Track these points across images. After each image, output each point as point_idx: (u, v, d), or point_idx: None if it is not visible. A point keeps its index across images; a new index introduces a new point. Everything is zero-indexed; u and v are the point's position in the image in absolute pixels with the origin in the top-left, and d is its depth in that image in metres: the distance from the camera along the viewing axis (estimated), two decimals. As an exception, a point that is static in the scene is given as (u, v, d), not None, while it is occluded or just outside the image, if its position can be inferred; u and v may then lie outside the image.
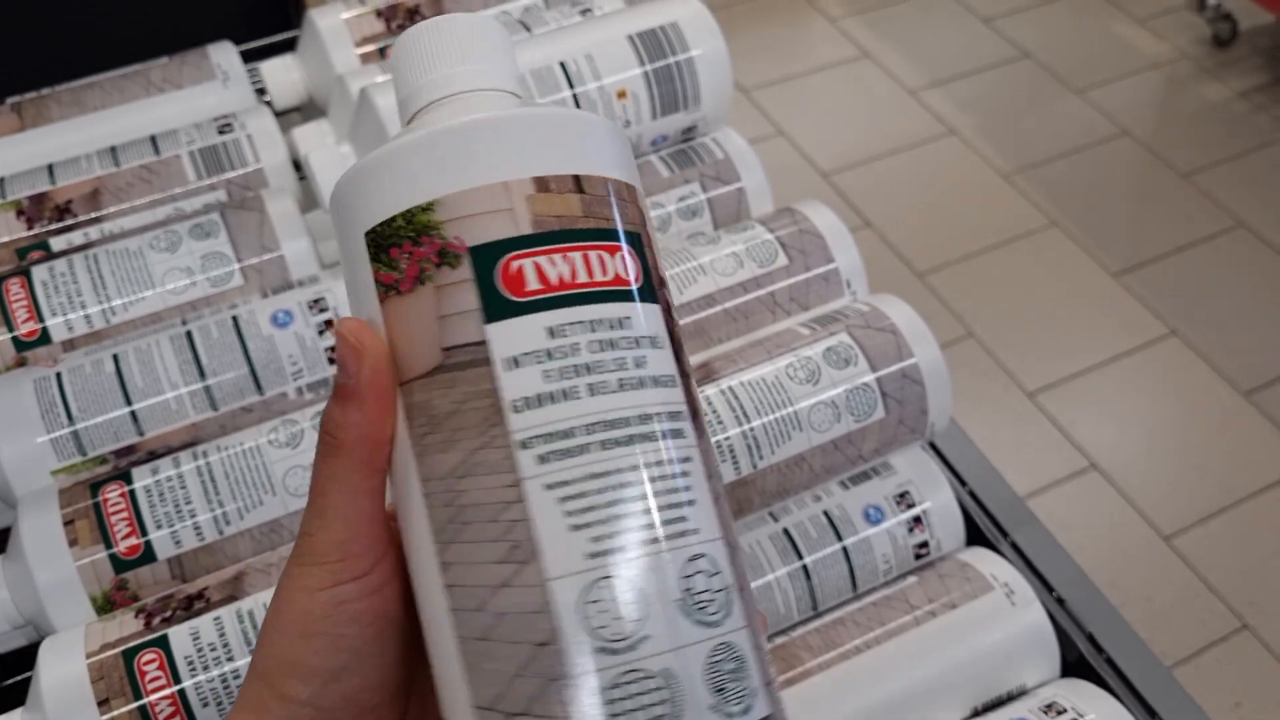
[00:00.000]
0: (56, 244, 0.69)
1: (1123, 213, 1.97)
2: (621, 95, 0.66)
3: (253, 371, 0.61)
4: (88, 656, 0.50)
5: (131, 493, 0.55)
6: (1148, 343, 1.77)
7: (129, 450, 0.60)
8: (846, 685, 0.56)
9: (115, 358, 0.60)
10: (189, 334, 0.61)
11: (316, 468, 0.32)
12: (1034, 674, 0.58)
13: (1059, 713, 0.54)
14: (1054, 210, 1.97)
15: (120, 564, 0.54)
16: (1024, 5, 2.37)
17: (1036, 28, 2.31)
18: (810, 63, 2.28)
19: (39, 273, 0.64)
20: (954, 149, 2.09)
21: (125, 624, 0.51)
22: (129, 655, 0.50)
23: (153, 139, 0.72)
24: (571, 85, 0.65)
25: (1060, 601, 0.61)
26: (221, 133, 0.73)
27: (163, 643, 0.50)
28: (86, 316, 0.64)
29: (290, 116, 0.83)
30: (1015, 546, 0.62)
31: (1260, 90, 2.17)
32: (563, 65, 0.65)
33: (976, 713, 0.57)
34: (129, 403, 0.60)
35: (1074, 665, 0.59)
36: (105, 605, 0.54)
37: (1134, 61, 2.25)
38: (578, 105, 0.65)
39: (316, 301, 0.63)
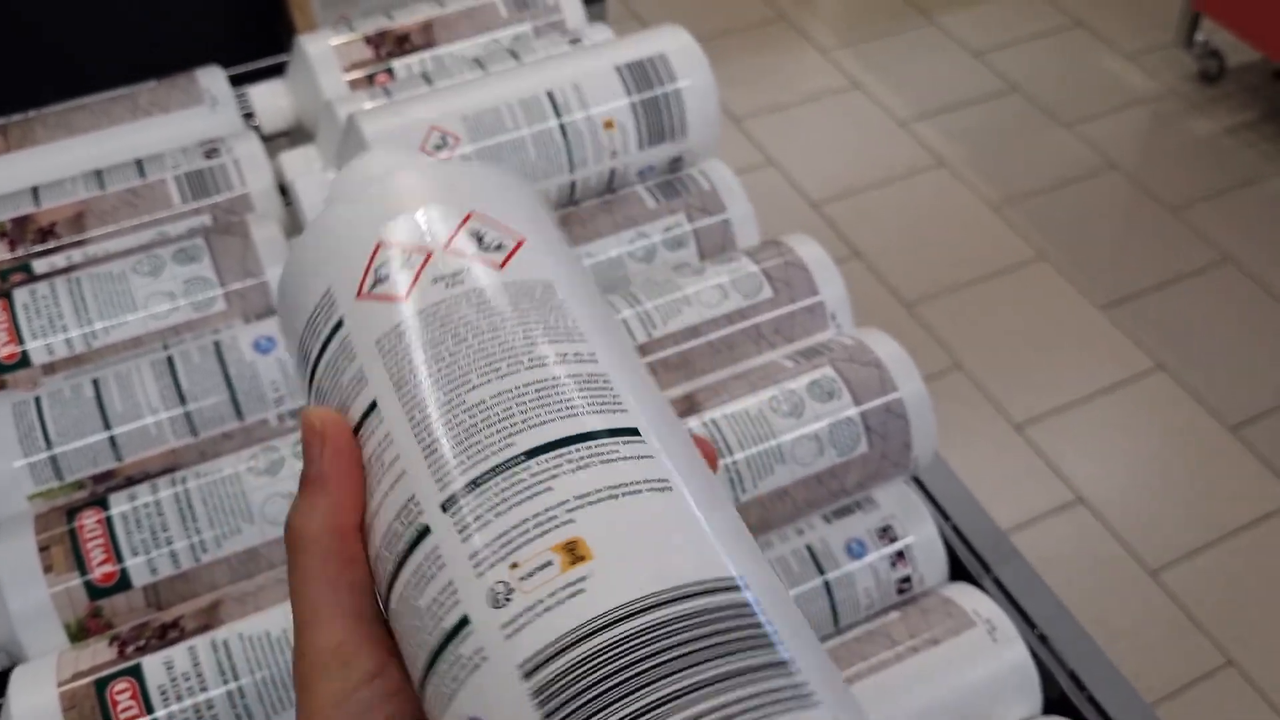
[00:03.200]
0: (39, 267, 0.69)
1: (1110, 246, 1.98)
2: (609, 125, 0.66)
3: (234, 397, 0.61)
4: (59, 685, 0.49)
5: (108, 519, 0.55)
6: (1134, 376, 1.77)
7: (107, 475, 0.59)
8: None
9: (95, 382, 0.60)
10: (170, 359, 0.61)
11: (290, 573, 0.30)
12: (1015, 712, 0.58)
13: (1040, 752, 0.54)
14: (1042, 243, 1.98)
15: (95, 591, 0.54)
16: (1013, 39, 2.38)
17: (1025, 61, 2.33)
18: (801, 92, 2.29)
19: (20, 295, 0.64)
20: (943, 180, 2.10)
21: (98, 652, 0.51)
22: (101, 685, 0.49)
23: (138, 163, 0.72)
24: (559, 115, 0.65)
25: (1043, 638, 0.60)
26: (208, 157, 0.72)
27: (136, 672, 0.50)
28: (67, 340, 0.64)
29: (278, 142, 0.83)
30: (998, 582, 0.62)
31: (1248, 126, 2.18)
32: (550, 95, 0.65)
33: (958, 750, 0.57)
34: (108, 428, 0.59)
35: (1056, 703, 0.59)
36: (79, 633, 0.54)
37: (1122, 96, 2.26)
38: (565, 134, 0.65)
39: (299, 328, 0.62)
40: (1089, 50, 2.37)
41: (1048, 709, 0.59)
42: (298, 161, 0.75)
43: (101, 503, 0.55)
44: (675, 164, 0.70)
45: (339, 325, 0.30)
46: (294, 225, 0.71)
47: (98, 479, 0.59)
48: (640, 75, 0.67)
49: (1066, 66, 2.33)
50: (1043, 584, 0.62)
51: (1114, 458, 1.67)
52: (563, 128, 0.65)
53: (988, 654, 0.58)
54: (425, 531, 0.27)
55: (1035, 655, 0.59)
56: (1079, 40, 2.40)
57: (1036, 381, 1.77)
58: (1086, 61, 2.35)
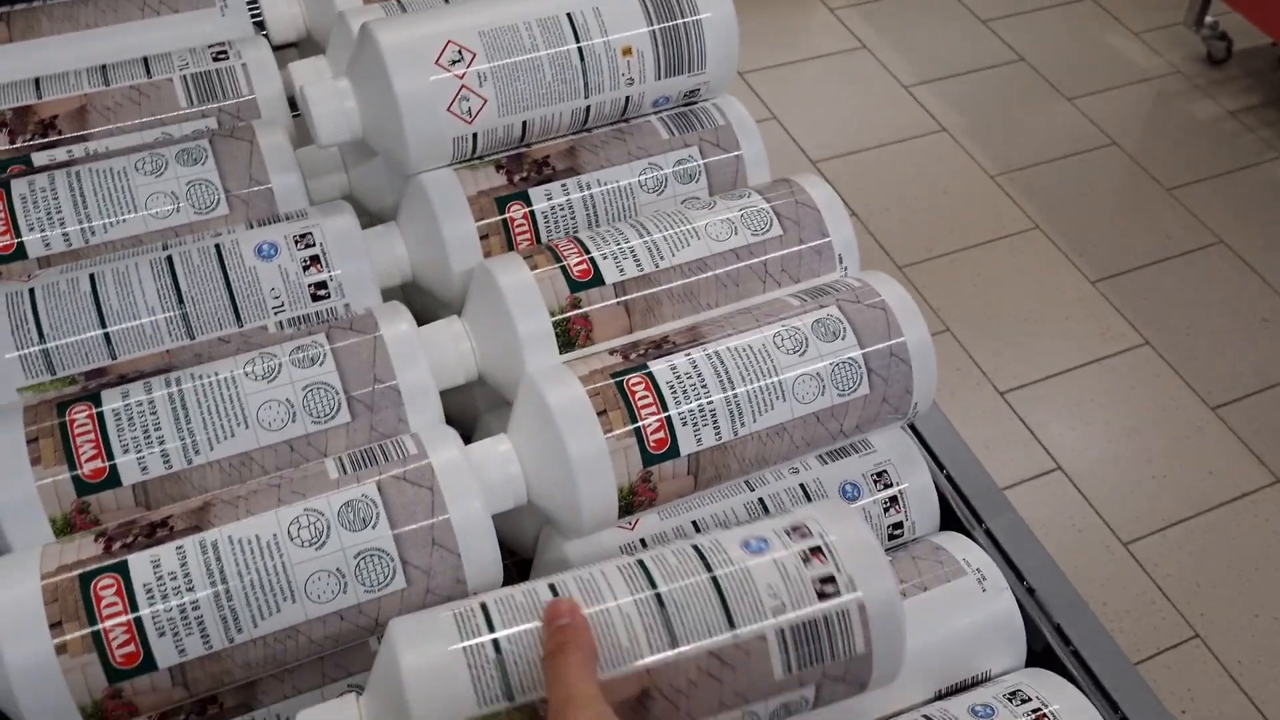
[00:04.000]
0: (39, 160, 0.68)
1: (1105, 221, 1.98)
2: (627, 52, 0.65)
3: (233, 302, 0.60)
4: (43, 578, 0.49)
5: (100, 415, 0.54)
6: (1120, 350, 1.77)
7: (100, 373, 0.58)
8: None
9: (92, 277, 0.59)
10: (169, 259, 0.60)
11: (551, 666, 0.42)
12: (1000, 661, 0.58)
13: (1023, 701, 0.54)
14: (1037, 214, 1.97)
15: (83, 486, 0.53)
16: (1022, 9, 2.36)
17: (1033, 33, 2.31)
18: (807, 50, 2.27)
19: (18, 186, 0.63)
20: (943, 146, 2.09)
21: (84, 547, 0.50)
22: (86, 579, 0.49)
23: (145, 61, 0.71)
24: (577, 37, 0.64)
25: (1030, 591, 0.61)
26: (216, 59, 0.71)
27: (122, 569, 0.49)
28: (65, 235, 0.63)
29: (287, 52, 0.82)
30: (989, 534, 0.62)
31: (1249, 111, 2.18)
32: (569, 17, 0.64)
33: (940, 695, 0.57)
34: (103, 324, 0.58)
35: (1040, 655, 0.59)
36: (65, 528, 0.53)
37: (1127, 73, 2.25)
38: (582, 58, 0.64)
39: (303, 236, 0.62)
40: (1097, 25, 2.36)
41: (1031, 661, 0.59)
42: (307, 71, 0.74)
43: (93, 398, 0.55)
44: (691, 96, 0.69)
45: None
46: (301, 135, 0.70)
47: (90, 375, 0.58)
48: (662, 3, 0.66)
49: (1074, 40, 2.32)
50: (1033, 538, 0.62)
51: (1095, 429, 1.68)
52: (580, 51, 0.64)
53: (976, 603, 0.58)
54: None
55: (1022, 608, 0.59)
56: (1088, 14, 2.38)
57: (1023, 349, 1.77)
58: (1094, 36, 2.33)
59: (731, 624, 0.47)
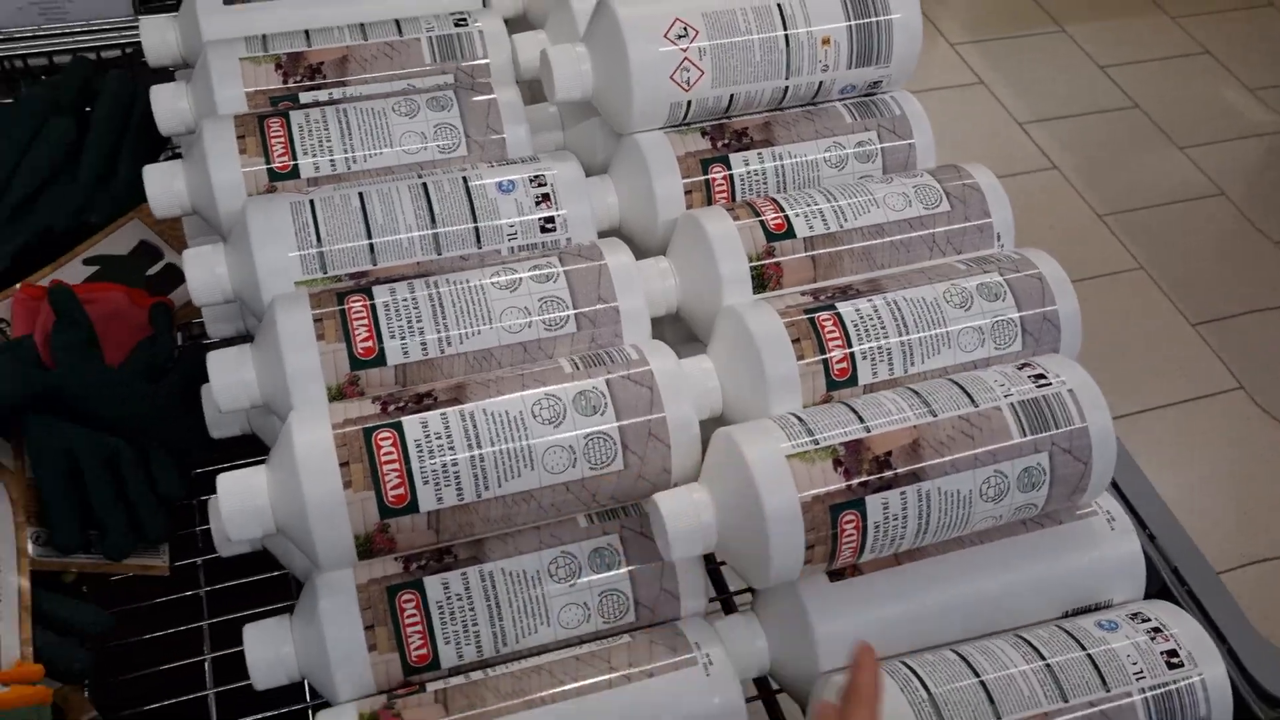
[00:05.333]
0: (304, 98, 0.78)
1: (1209, 268, 2.03)
2: (826, 42, 0.74)
3: (475, 226, 0.70)
4: (333, 428, 0.59)
5: (372, 305, 0.64)
6: (1214, 393, 1.83)
7: (361, 275, 0.68)
8: (958, 571, 0.64)
9: (360, 195, 0.69)
10: (424, 185, 0.70)
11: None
12: (1122, 592, 0.66)
13: (1144, 620, 0.62)
14: (1142, 255, 2.03)
15: (356, 362, 0.63)
16: (1140, 58, 2.43)
17: (1149, 81, 2.37)
18: (926, 82, 2.35)
19: (296, 116, 0.73)
20: (1053, 184, 2.16)
21: (364, 407, 0.60)
22: (368, 432, 0.59)
23: (397, 22, 0.81)
24: (785, 26, 0.73)
25: (1151, 538, 0.68)
26: (457, 25, 0.81)
27: (397, 426, 0.59)
28: (332, 161, 0.73)
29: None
30: (1115, 485, 0.70)
31: (1359, 173, 2.22)
32: (779, 7, 0.73)
33: (1067, 615, 0.65)
34: (369, 235, 0.68)
35: (1157, 595, 0.67)
36: (337, 395, 0.63)
37: (1239, 127, 2.30)
38: (787, 44, 0.73)
39: (537, 177, 0.71)
40: (1213, 78, 2.41)
41: (1148, 598, 0.67)
42: (529, 42, 0.84)
43: (367, 291, 0.65)
44: (873, 87, 0.78)
45: None
46: (531, 94, 0.79)
47: (353, 277, 0.68)
48: (860, 2, 0.75)
49: (1188, 91, 2.38)
50: (1154, 492, 0.70)
51: (1182, 465, 1.73)
52: (786, 38, 0.73)
53: (1105, 539, 0.66)
54: None
55: (1144, 552, 0.66)
56: (1204, 68, 2.44)
57: (1118, 384, 1.83)
58: (1209, 89, 2.39)
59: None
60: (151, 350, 0.75)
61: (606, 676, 0.59)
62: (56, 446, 0.67)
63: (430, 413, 0.60)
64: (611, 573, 0.63)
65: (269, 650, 0.61)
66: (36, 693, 0.53)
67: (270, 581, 0.72)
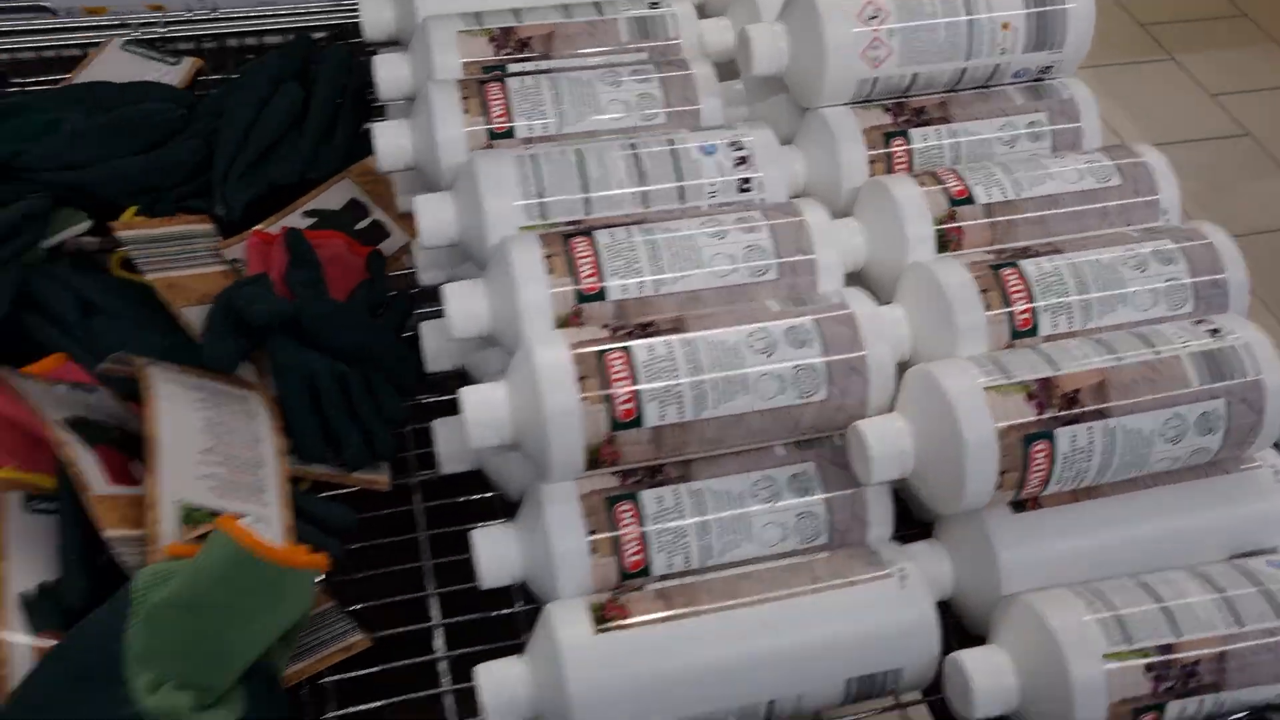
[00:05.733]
0: (512, 69, 0.85)
1: (1319, 294, 2.04)
2: (1005, 27, 0.80)
3: (680, 183, 0.76)
4: (570, 347, 0.65)
5: (595, 247, 0.70)
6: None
7: (574, 224, 0.75)
8: (1132, 511, 0.68)
9: (578, 152, 0.76)
10: (633, 144, 0.77)
11: None
12: (1285, 543, 0.70)
13: (1312, 563, 0.66)
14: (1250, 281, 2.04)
15: (581, 296, 0.69)
16: (1253, 86, 2.45)
17: (1262, 109, 2.39)
18: (1033, 105, 2.39)
19: (513, 82, 0.80)
20: (1162, 207, 2.18)
21: (594, 332, 0.66)
22: (600, 353, 0.65)
23: (596, 4, 0.88)
24: (969, 10, 0.79)
25: (1313, 491, 0.72)
26: (652, 7, 0.88)
27: (626, 350, 0.65)
28: (544, 123, 0.80)
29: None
30: (1276, 445, 0.74)
31: None
32: (965, -7, 0.79)
33: (1234, 556, 0.69)
34: (585, 189, 0.75)
35: (1318, 548, 0.71)
36: (563, 326, 0.69)
37: (1351, 158, 2.31)
38: (970, 27, 0.79)
39: (736, 142, 0.77)
40: (1324, 109, 2.42)
41: (1310, 553, 0.71)
42: (712, 27, 0.90)
43: (587, 233, 0.71)
44: (1044, 72, 0.84)
45: None
46: (724, 72, 0.86)
47: (570, 224, 0.75)
48: (1039, -10, 0.80)
49: (1300, 120, 2.39)
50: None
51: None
52: (970, 22, 0.79)
53: (1271, 491, 0.70)
54: None
55: (1307, 505, 0.70)
56: (1317, 98, 2.45)
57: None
58: (1320, 119, 2.40)
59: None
60: (370, 291, 0.82)
61: (810, 584, 0.65)
62: (298, 367, 0.75)
63: (656, 339, 0.66)
64: (808, 497, 0.68)
65: (497, 550, 0.67)
66: (315, 559, 0.60)
67: (476, 503, 0.78)
